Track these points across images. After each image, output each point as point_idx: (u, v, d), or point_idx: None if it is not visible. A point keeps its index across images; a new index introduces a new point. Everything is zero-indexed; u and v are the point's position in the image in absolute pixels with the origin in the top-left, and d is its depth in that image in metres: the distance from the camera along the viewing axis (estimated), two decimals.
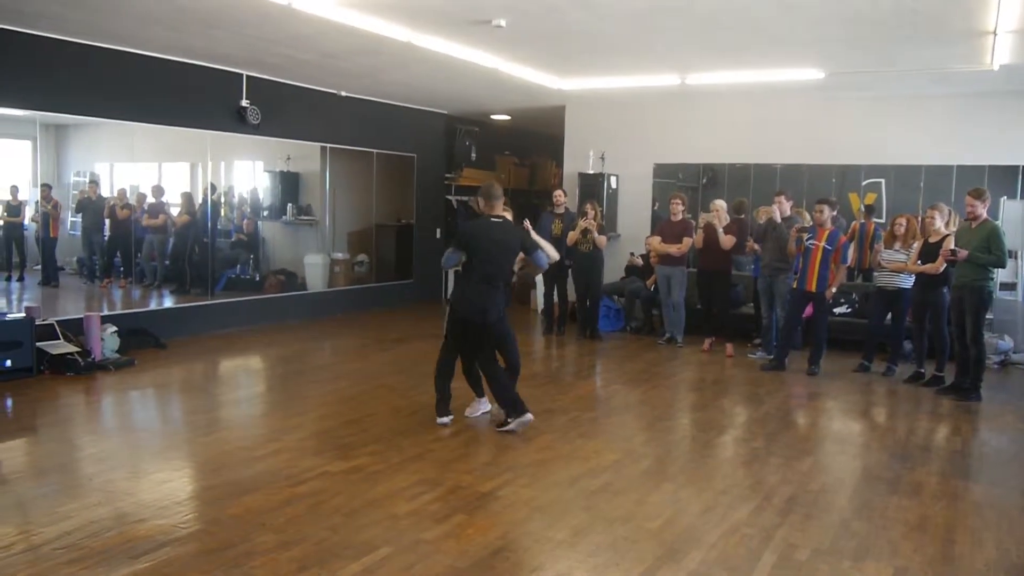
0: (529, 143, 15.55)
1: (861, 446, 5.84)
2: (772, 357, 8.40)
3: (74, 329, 7.70)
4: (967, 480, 5.12)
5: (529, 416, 5.69)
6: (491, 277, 5.63)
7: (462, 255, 5.63)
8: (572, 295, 10.28)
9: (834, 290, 8.12)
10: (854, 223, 9.86)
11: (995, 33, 6.65)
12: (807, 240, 7.97)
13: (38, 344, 7.18)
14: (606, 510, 4.38)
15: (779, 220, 8.54)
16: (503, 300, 5.78)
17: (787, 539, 4.05)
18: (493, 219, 5.71)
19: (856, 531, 4.19)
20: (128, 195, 9.25)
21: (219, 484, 4.62)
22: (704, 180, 11.38)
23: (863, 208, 10.15)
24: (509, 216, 5.98)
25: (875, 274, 8.33)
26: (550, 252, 5.92)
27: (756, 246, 8.89)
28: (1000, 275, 8.37)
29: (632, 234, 11.33)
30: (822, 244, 7.88)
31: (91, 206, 8.96)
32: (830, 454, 5.65)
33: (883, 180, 10.29)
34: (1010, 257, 7.66)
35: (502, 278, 5.78)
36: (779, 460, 5.35)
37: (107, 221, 9.08)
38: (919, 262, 7.57)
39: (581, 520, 4.25)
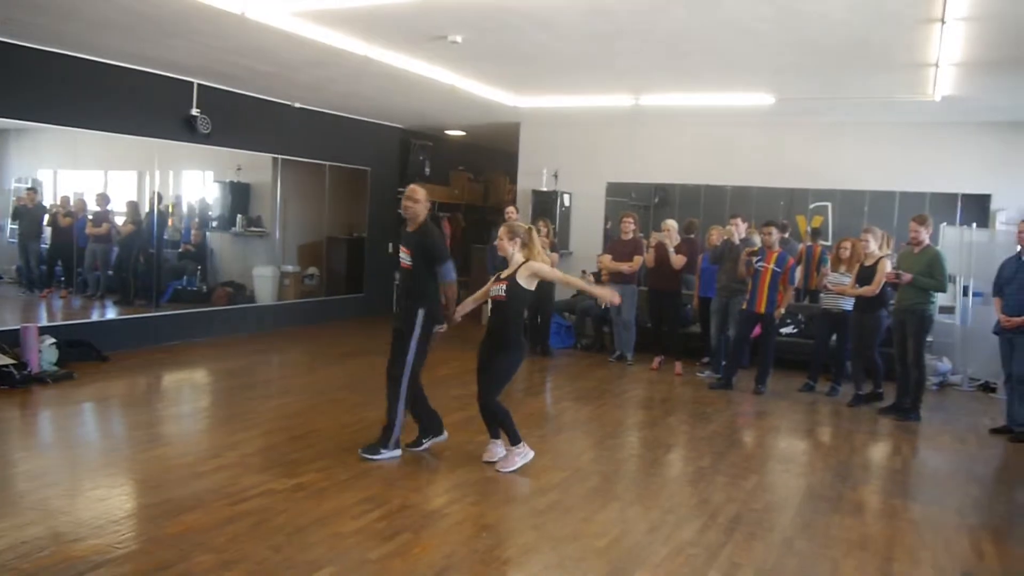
0: (483, 159, 15.57)
1: (805, 465, 5.93)
2: (720, 376, 8.50)
3: (10, 340, 7.45)
4: (906, 499, 5.24)
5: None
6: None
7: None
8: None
9: (783, 311, 8.27)
10: (800, 245, 10.05)
11: (937, 65, 6.86)
12: (756, 262, 8.11)
13: None
14: (554, 528, 4.37)
15: (736, 242, 8.66)
16: (422, 304, 5.42)
17: (731, 558, 4.08)
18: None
19: (799, 550, 4.25)
20: (71, 202, 9.02)
21: (158, 502, 4.49)
22: (656, 200, 11.52)
23: (809, 231, 10.36)
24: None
25: (821, 296, 8.51)
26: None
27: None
28: (939, 299, 8.61)
29: (584, 252, 11.39)
30: (771, 266, 8.02)
31: (27, 213, 8.72)
32: (775, 473, 5.72)
33: (829, 204, 10.54)
34: (949, 282, 7.88)
35: (409, 287, 5.50)
36: (725, 479, 5.40)
37: (48, 229, 8.84)
38: (856, 285, 7.75)
39: (528, 539, 4.23)
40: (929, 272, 7.11)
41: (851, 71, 7.47)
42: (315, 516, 4.36)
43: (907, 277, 7.10)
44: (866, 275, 7.62)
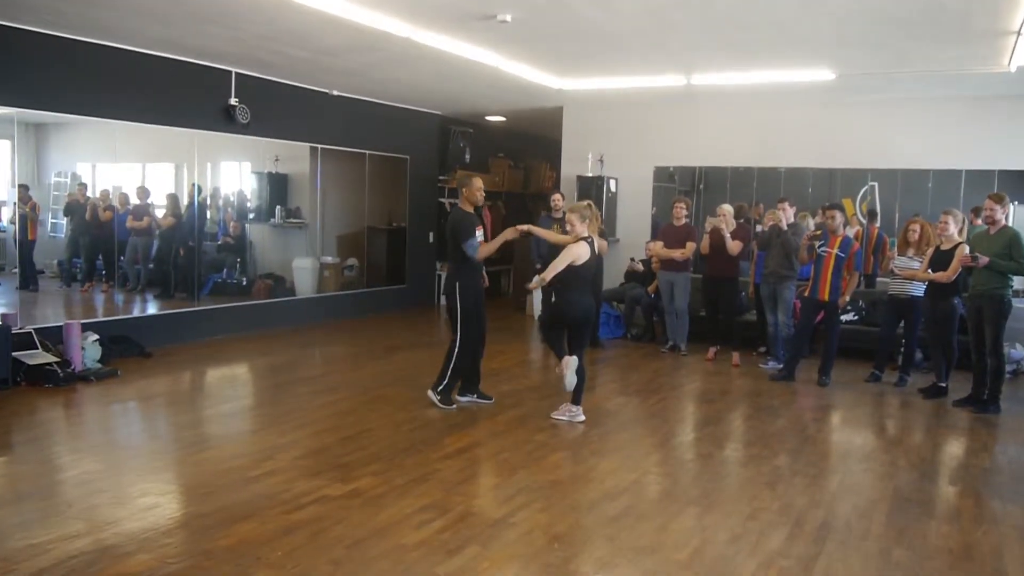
0: (524, 145, 15.24)
1: (887, 463, 5.54)
2: (782, 366, 8.13)
3: (53, 337, 7.31)
4: (1004, 501, 4.84)
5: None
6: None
7: None
8: None
9: (847, 298, 7.87)
10: (857, 229, 9.61)
11: (1019, 33, 6.40)
12: (819, 247, 7.70)
13: (14, 354, 6.78)
14: (629, 539, 4.07)
15: (785, 227, 8.28)
16: (454, 280, 6.37)
17: (828, 571, 3.75)
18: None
19: (899, 561, 3.90)
20: (111, 196, 8.87)
21: (210, 511, 4.26)
22: (700, 184, 11.13)
23: (860, 213, 9.93)
24: (468, 207, 6.42)
25: (887, 281, 8.09)
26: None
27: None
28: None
29: (632, 239, 11.04)
30: (835, 251, 7.61)
31: (79, 209, 8.59)
32: (856, 472, 5.35)
33: (876, 184, 10.08)
34: None
35: (452, 261, 6.45)
36: (804, 480, 5.07)
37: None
38: (929, 270, 7.32)
39: (604, 551, 3.93)
40: (1008, 254, 6.67)
41: (922, 41, 7.02)
42: (374, 526, 4.10)
43: (984, 260, 6.66)
44: (943, 260, 7.18)
